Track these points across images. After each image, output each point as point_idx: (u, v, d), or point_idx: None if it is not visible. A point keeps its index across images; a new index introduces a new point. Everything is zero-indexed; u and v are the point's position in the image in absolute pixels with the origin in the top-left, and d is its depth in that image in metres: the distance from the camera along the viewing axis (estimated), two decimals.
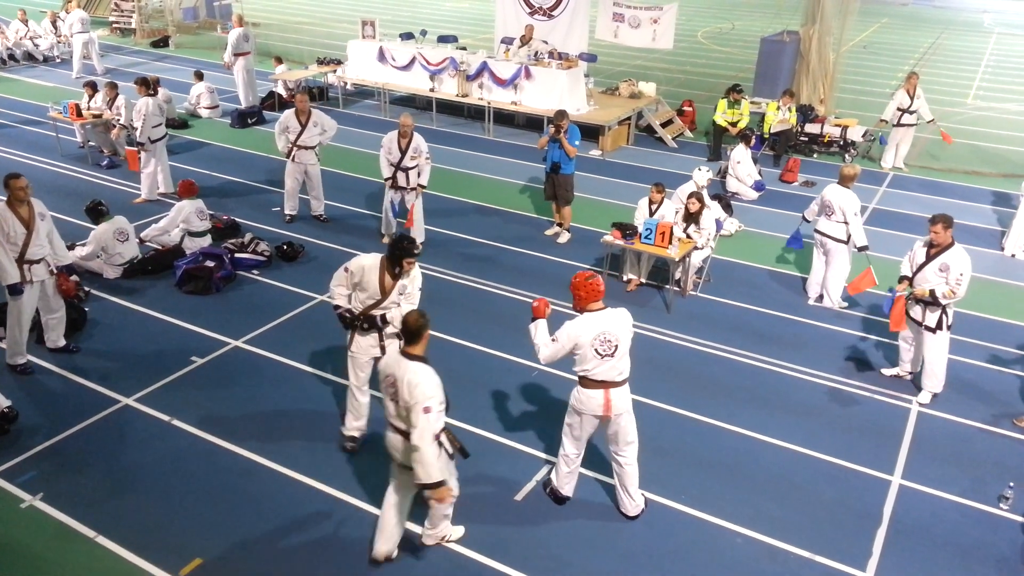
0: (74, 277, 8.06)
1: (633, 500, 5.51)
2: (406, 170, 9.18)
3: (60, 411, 6.51)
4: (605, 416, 5.19)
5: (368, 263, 5.64)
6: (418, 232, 9.49)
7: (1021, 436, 6.55)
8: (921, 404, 6.92)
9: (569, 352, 5.10)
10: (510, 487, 5.80)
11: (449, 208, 10.84)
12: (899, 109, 12.54)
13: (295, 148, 9.85)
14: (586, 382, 5.15)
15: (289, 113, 9.87)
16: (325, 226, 10.12)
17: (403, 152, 9.09)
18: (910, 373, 7.22)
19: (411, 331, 4.65)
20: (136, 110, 10.45)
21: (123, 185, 11.35)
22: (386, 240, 9.49)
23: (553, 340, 5.13)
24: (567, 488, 5.66)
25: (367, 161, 12.72)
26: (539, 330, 5.23)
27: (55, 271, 6.97)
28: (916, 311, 6.79)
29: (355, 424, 6.15)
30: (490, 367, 7.30)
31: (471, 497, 5.63)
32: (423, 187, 9.37)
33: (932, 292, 6.55)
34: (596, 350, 5.02)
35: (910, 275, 6.78)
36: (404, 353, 4.66)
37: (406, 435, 4.60)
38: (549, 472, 5.84)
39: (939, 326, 6.66)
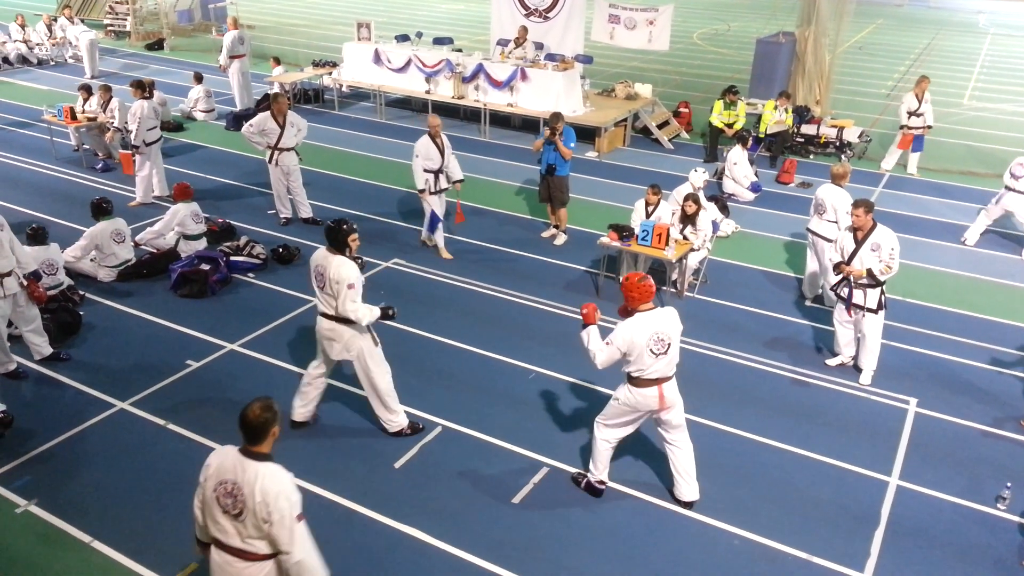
0: (68, 282, 8.06)
1: (689, 484, 5.55)
2: (444, 172, 9.22)
3: (55, 416, 6.47)
4: (660, 409, 5.26)
5: (324, 263, 5.72)
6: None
7: (1018, 437, 6.55)
8: (863, 384, 7.16)
9: (624, 355, 5.13)
10: (507, 490, 5.78)
11: (445, 210, 10.79)
12: (907, 112, 12.48)
13: (276, 152, 9.76)
14: (639, 381, 5.19)
15: (265, 116, 9.70)
16: (319, 228, 10.07)
17: (442, 154, 9.09)
18: (852, 358, 7.41)
19: (252, 427, 3.66)
20: (131, 113, 10.40)
21: (118, 188, 11.31)
22: (429, 243, 9.60)
23: (607, 344, 5.15)
24: (606, 472, 5.70)
25: (362, 163, 12.73)
26: (592, 336, 5.26)
27: (24, 283, 6.78)
28: (857, 296, 7.01)
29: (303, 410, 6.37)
30: (486, 370, 7.28)
31: (468, 500, 5.62)
32: (461, 181, 9.44)
33: (869, 271, 6.84)
34: (651, 350, 5.06)
35: (844, 260, 7.06)
36: (247, 452, 3.68)
37: (250, 556, 3.73)
38: (586, 468, 5.78)
39: (880, 306, 6.98)
